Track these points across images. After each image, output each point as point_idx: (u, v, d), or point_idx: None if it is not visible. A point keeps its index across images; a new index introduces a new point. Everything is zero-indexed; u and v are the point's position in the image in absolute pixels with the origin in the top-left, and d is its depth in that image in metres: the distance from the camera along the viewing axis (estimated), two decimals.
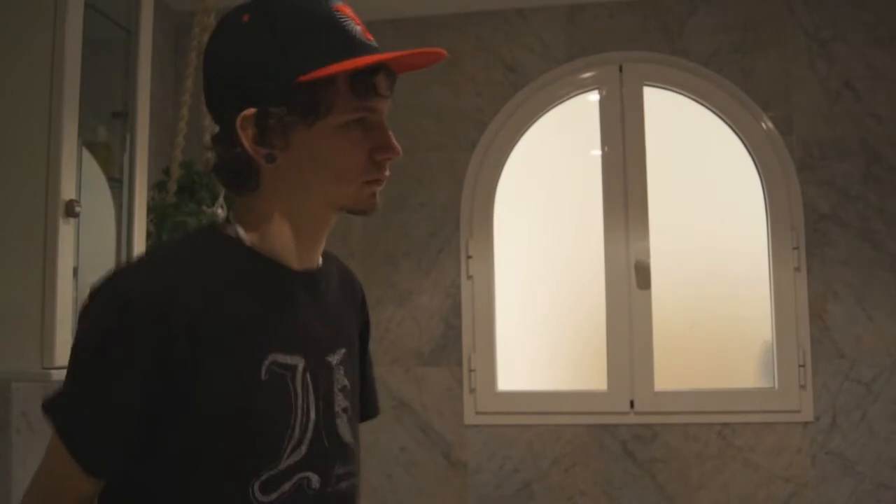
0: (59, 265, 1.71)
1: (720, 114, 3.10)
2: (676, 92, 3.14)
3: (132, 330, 0.94)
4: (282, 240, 1.05)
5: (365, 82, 0.98)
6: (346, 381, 1.10)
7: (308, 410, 1.03)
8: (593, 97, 3.20)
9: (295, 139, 0.99)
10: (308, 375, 1.03)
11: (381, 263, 3.20)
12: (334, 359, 1.09)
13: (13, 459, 2.11)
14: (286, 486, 1.00)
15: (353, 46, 0.98)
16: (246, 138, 0.99)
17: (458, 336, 3.15)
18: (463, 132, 3.23)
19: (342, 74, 0.96)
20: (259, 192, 1.04)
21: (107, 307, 0.97)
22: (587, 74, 3.19)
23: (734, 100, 3.08)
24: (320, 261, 1.12)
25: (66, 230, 1.72)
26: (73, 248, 1.77)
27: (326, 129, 0.98)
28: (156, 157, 2.03)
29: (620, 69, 3.16)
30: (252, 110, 0.98)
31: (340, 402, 1.08)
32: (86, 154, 1.90)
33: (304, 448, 1.01)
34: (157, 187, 2.42)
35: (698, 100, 3.12)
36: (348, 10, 1.00)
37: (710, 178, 3.13)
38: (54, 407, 1.00)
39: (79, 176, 1.80)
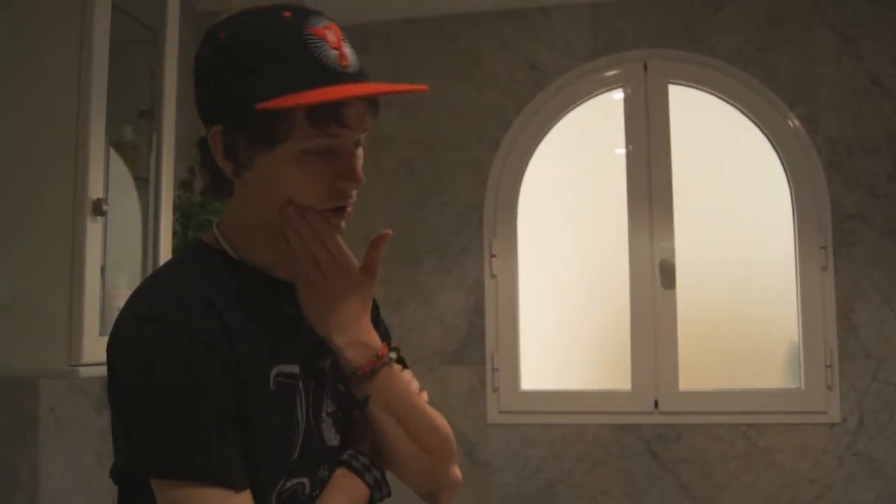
0: (87, 263, 1.72)
1: (746, 112, 3.08)
2: (702, 90, 3.12)
3: (196, 345, 0.95)
4: (257, 250, 1.06)
5: (325, 114, 0.96)
6: (338, 386, 1.12)
7: (302, 417, 1.05)
8: (618, 95, 3.18)
9: (259, 160, 1.00)
10: (300, 383, 1.05)
11: (404, 262, 3.20)
12: (325, 363, 1.10)
13: (41, 455, 2.13)
14: (288, 493, 1.03)
15: (317, 75, 0.96)
16: (216, 151, 1.01)
17: (481, 335, 3.15)
18: (486, 131, 3.23)
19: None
20: (232, 201, 1.06)
21: (162, 335, 0.95)
22: (611, 72, 3.18)
23: (760, 98, 3.05)
24: None
25: (93, 229, 1.74)
26: (101, 247, 1.78)
27: (285, 155, 0.98)
28: (182, 157, 2.04)
29: (645, 67, 3.14)
30: (219, 127, 1.00)
31: (328, 406, 1.10)
32: (113, 153, 1.92)
33: (297, 454, 1.03)
34: (183, 186, 2.44)
35: (724, 98, 3.10)
36: (325, 32, 0.98)
37: (735, 177, 3.11)
38: (162, 460, 0.93)
39: (106, 175, 1.82)
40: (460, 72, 3.27)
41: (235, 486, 0.94)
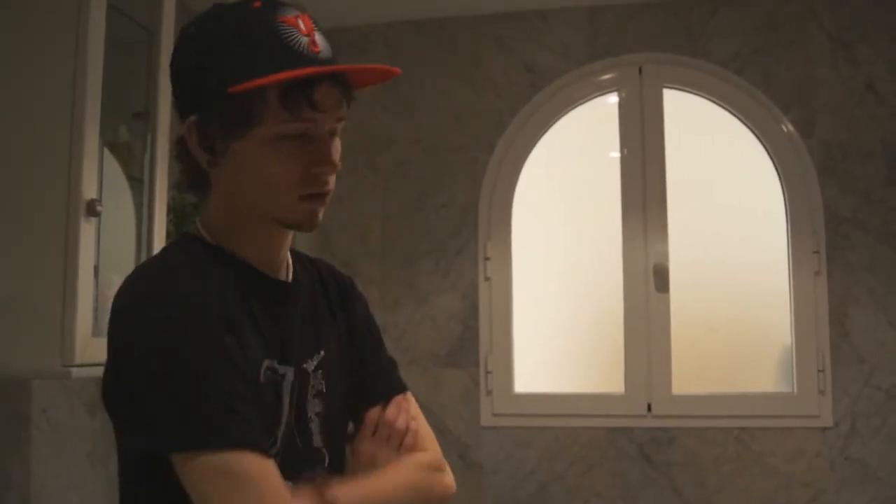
0: (81, 264, 1.72)
1: (740, 116, 3.08)
2: (696, 94, 3.13)
3: (213, 318, 0.95)
4: (243, 241, 1.07)
5: (297, 96, 0.97)
6: (322, 386, 1.11)
7: (285, 415, 1.05)
8: (613, 99, 3.19)
9: (233, 147, 1.01)
10: (286, 381, 1.06)
11: (400, 264, 3.20)
12: (310, 365, 1.10)
13: (33, 456, 2.13)
14: None
15: (288, 60, 0.97)
16: (191, 142, 1.03)
17: (475, 338, 3.15)
18: (482, 133, 3.23)
19: (273, 87, 0.96)
20: (211, 196, 1.07)
21: (178, 310, 0.94)
22: (607, 76, 3.18)
23: (755, 102, 3.06)
24: (291, 267, 1.13)
25: (87, 229, 1.74)
26: (94, 247, 1.78)
27: (259, 141, 0.99)
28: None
29: (640, 71, 3.15)
30: (194, 117, 1.02)
31: (313, 407, 1.10)
32: (107, 154, 1.92)
33: (279, 455, 1.03)
34: (178, 187, 2.43)
35: (718, 102, 3.10)
36: (297, 21, 1.00)
37: (729, 181, 3.11)
38: (196, 431, 0.91)
39: (100, 176, 1.82)
40: (458, 74, 3.27)
41: (265, 452, 0.93)
